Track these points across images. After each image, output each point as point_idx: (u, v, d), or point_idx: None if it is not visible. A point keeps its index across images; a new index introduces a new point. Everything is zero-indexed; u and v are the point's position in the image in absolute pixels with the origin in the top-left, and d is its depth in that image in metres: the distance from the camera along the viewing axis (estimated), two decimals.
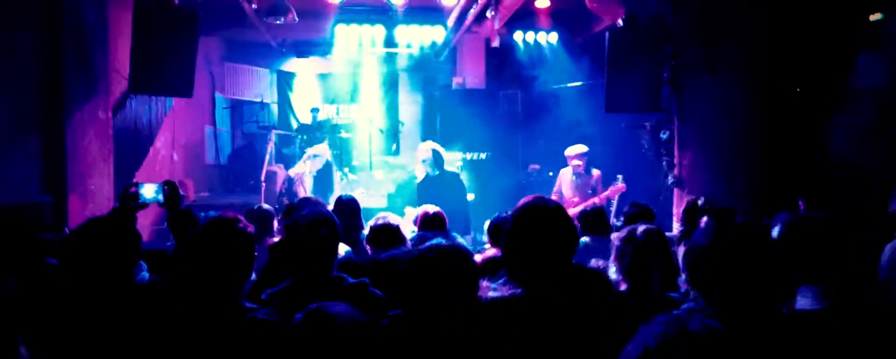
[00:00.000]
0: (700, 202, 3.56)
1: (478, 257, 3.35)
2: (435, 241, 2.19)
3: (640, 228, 2.92)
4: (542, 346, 2.03)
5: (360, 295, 2.46)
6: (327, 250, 2.57)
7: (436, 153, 6.48)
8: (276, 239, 4.09)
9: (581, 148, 7.30)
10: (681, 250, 3.48)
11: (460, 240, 3.93)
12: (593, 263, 3.18)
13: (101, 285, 2.34)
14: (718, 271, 1.71)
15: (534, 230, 2.17)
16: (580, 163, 7.29)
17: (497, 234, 3.76)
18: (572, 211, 7.21)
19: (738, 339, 1.23)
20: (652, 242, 2.81)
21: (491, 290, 2.11)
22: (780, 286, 1.75)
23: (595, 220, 4.61)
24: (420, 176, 6.60)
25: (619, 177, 6.95)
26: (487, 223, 4.21)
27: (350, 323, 1.93)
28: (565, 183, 7.45)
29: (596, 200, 6.99)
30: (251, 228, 2.30)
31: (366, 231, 3.87)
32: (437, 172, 6.45)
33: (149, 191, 2.95)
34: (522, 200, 2.31)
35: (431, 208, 4.34)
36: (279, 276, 2.94)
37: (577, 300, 2.08)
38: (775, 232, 2.11)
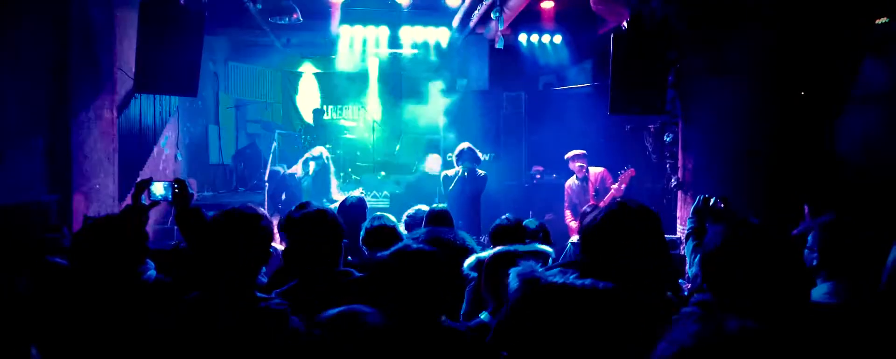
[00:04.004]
0: (712, 201, 3.50)
1: (472, 259, 3.37)
2: (404, 242, 2.25)
3: None
4: (593, 340, 1.99)
5: (365, 289, 2.48)
6: (329, 245, 2.59)
7: (472, 152, 6.66)
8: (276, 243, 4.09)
9: (579, 151, 7.40)
10: (687, 249, 3.49)
11: (470, 241, 3.92)
12: None
13: (108, 283, 2.36)
14: (736, 271, 1.70)
15: (619, 229, 2.13)
16: (582, 165, 7.36)
17: (499, 237, 3.74)
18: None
19: (777, 339, 1.23)
20: None
21: (548, 275, 2.06)
22: (802, 285, 1.75)
23: None
24: (451, 172, 6.71)
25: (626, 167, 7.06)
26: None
27: (377, 326, 1.95)
28: (572, 191, 7.50)
29: (614, 191, 7.02)
30: (272, 226, 2.32)
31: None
32: (471, 171, 6.60)
33: (158, 189, 2.97)
34: (615, 202, 2.27)
35: (437, 207, 4.37)
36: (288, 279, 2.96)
37: (650, 301, 2.05)
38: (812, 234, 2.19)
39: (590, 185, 7.35)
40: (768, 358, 1.21)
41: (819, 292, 2.10)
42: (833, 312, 2.01)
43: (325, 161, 9.17)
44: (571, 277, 1.98)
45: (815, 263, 2.20)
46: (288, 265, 2.78)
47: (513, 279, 2.06)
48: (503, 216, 3.86)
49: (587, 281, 1.96)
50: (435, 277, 2.14)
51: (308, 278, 2.56)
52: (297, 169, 9.33)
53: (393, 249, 2.20)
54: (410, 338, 2.04)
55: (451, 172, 6.75)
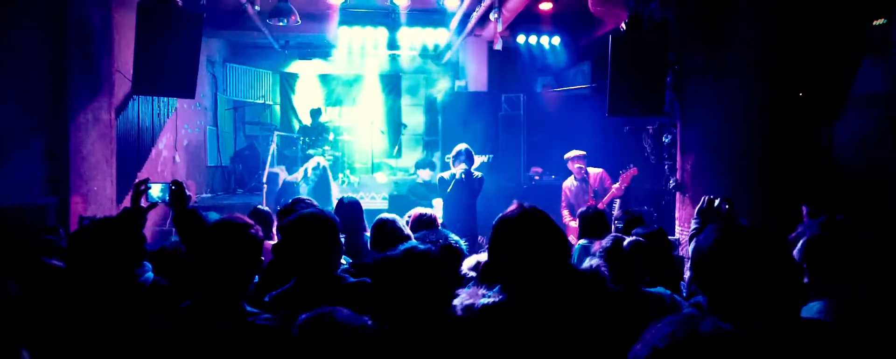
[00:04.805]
0: (716, 202, 3.45)
1: (471, 260, 3.36)
2: (411, 243, 2.23)
3: (628, 239, 3.02)
4: (532, 351, 2.03)
5: (360, 294, 2.47)
6: (327, 249, 2.58)
7: (469, 153, 6.69)
8: (275, 241, 4.08)
9: (579, 153, 7.39)
10: (689, 250, 3.48)
11: (453, 237, 3.91)
12: (587, 263, 3.20)
13: (105, 285, 2.35)
14: (726, 273, 1.70)
15: (516, 237, 2.20)
16: (581, 166, 7.35)
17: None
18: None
19: (750, 342, 1.22)
20: (637, 252, 2.99)
21: (484, 297, 2.12)
22: (792, 289, 1.73)
23: (593, 222, 4.59)
24: (451, 174, 6.71)
25: (629, 166, 7.03)
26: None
27: (354, 329, 1.93)
28: (571, 192, 7.49)
29: (614, 190, 7.00)
30: (260, 233, 2.30)
31: (368, 233, 3.84)
32: (468, 173, 6.60)
33: (155, 190, 2.95)
34: (505, 211, 2.34)
35: (425, 210, 4.37)
36: (280, 277, 2.95)
37: (568, 303, 2.09)
38: (798, 247, 2.14)
39: (590, 186, 7.34)
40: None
41: (811, 310, 2.05)
42: (826, 329, 1.97)
43: (323, 170, 9.22)
44: (498, 297, 2.05)
45: (805, 280, 2.12)
46: (283, 266, 2.77)
47: (457, 309, 2.11)
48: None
49: (501, 297, 2.02)
50: (441, 277, 2.13)
51: (304, 280, 2.55)
52: (298, 176, 9.34)
53: (399, 250, 2.18)
54: (415, 337, 2.03)
55: (446, 175, 6.75)
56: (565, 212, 7.57)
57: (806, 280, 2.12)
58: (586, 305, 2.12)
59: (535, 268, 2.14)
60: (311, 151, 10.42)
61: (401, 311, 2.08)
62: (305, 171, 9.14)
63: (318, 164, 9.04)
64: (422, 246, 2.20)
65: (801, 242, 2.18)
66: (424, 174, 8.92)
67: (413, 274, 2.10)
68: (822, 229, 2.15)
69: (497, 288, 2.15)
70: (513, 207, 2.32)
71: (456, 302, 2.13)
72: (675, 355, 1.20)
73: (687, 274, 4.38)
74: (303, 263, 2.57)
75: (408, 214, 4.80)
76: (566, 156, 7.51)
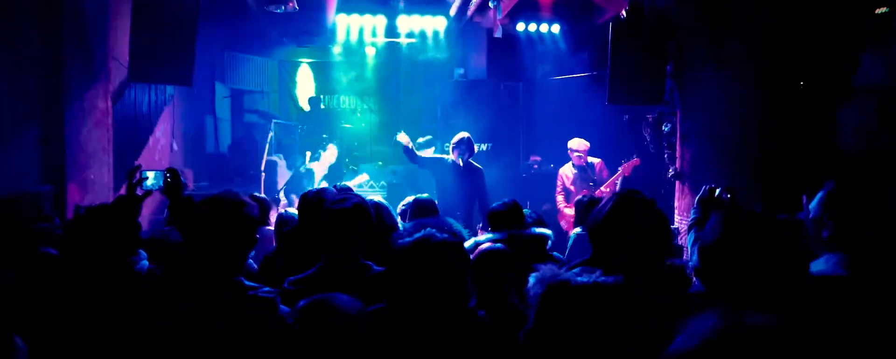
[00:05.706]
0: (718, 192, 3.38)
1: (468, 243, 3.35)
2: (429, 230, 2.17)
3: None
4: (622, 333, 2.01)
5: (384, 284, 2.47)
6: (362, 238, 2.61)
7: (470, 143, 6.59)
8: (271, 227, 4.07)
9: (584, 143, 7.37)
10: (689, 239, 3.46)
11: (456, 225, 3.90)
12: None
13: (100, 273, 2.34)
14: (731, 266, 1.69)
15: (628, 221, 2.18)
16: (582, 155, 7.34)
17: (497, 221, 3.75)
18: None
19: (794, 332, 1.22)
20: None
21: (577, 276, 2.09)
22: (796, 282, 1.73)
23: (590, 211, 4.57)
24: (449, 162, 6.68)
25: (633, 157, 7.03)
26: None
27: (351, 316, 1.91)
28: (568, 179, 7.47)
29: (616, 178, 7.00)
30: (255, 211, 2.30)
31: None
32: (466, 164, 6.57)
33: (151, 177, 2.93)
34: (618, 193, 2.34)
35: (423, 196, 4.37)
36: (285, 264, 2.94)
37: (659, 293, 2.09)
38: (817, 198, 2.19)
39: (593, 173, 7.34)
40: (785, 351, 1.21)
41: (828, 262, 2.07)
42: (841, 285, 1.99)
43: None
44: (597, 275, 2.00)
45: (825, 234, 2.14)
46: (309, 250, 2.77)
47: (536, 285, 2.03)
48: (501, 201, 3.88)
49: (613, 278, 1.99)
50: (461, 267, 2.10)
51: (329, 267, 2.56)
52: (319, 168, 9.28)
53: (415, 238, 2.13)
54: (439, 330, 2.01)
55: (447, 159, 6.73)
56: (560, 197, 7.56)
57: (826, 234, 2.17)
58: (667, 297, 2.12)
59: (639, 255, 2.12)
60: (310, 139, 10.39)
61: (415, 300, 2.04)
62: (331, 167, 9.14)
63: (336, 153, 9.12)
64: (439, 235, 2.15)
65: (818, 195, 2.24)
66: (426, 154, 8.90)
67: (435, 264, 2.05)
68: (836, 186, 2.24)
69: (578, 268, 2.12)
70: (620, 193, 2.32)
71: (535, 276, 2.09)
72: (724, 346, 1.20)
73: (691, 262, 4.36)
74: (336, 253, 2.58)
75: (402, 203, 4.79)
76: (570, 144, 7.48)
